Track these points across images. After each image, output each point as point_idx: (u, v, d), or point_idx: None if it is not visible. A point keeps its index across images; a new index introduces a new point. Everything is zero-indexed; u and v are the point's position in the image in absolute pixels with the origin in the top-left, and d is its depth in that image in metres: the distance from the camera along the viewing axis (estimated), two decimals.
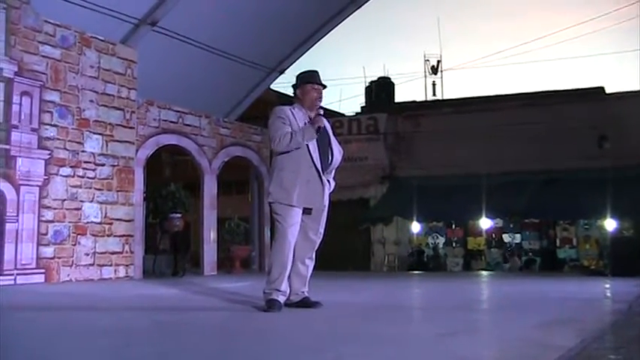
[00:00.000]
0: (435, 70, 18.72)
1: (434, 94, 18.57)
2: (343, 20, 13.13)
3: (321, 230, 4.66)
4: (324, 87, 4.68)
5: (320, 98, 4.60)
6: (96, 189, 8.79)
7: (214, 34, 11.06)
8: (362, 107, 17.90)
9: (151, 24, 9.86)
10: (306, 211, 4.55)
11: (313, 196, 4.49)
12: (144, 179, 9.92)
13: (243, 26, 11.44)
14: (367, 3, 12.93)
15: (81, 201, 8.56)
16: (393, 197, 15.22)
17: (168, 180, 11.90)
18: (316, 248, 4.69)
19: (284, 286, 4.46)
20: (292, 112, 4.55)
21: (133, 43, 9.75)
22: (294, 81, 4.77)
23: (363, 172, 15.67)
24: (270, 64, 13.02)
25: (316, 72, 4.69)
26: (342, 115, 18.36)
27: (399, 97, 18.17)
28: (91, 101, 8.84)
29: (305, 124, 4.50)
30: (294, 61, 13.38)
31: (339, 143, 4.82)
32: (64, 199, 8.36)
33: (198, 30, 10.72)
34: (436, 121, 15.44)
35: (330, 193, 4.64)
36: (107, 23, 9.26)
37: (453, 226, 15.81)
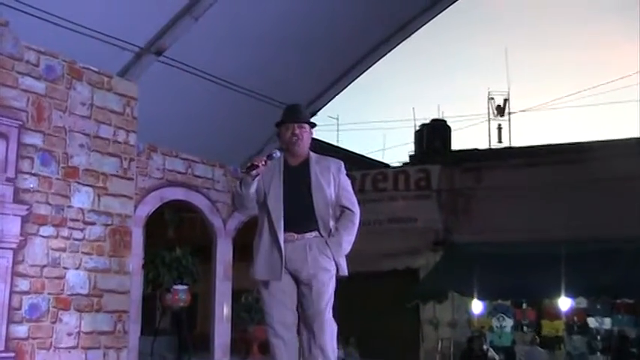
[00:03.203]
0: (501, 110, 18.50)
1: (500, 141, 18.38)
2: (389, 52, 13.12)
3: (314, 310, 4.43)
4: (307, 122, 4.66)
5: (295, 135, 4.56)
6: (84, 253, 8.63)
7: (233, 66, 11.03)
8: (411, 156, 17.92)
9: (156, 53, 9.83)
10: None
11: (272, 266, 4.45)
12: (143, 242, 9.87)
13: (268, 59, 11.43)
14: (418, 31, 12.91)
15: (65, 268, 8.39)
16: (448, 268, 15.04)
17: (172, 243, 11.83)
18: (317, 334, 4.42)
19: None
20: (266, 163, 4.52)
21: (134, 75, 9.71)
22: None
23: (410, 236, 15.61)
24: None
25: (289, 108, 4.72)
26: (387, 165, 18.27)
27: (457, 144, 18.16)
28: (81, 146, 8.74)
29: (280, 173, 4.53)
30: (328, 102, 13.36)
31: (348, 193, 4.65)
32: (44, 266, 8.18)
33: (213, 61, 10.68)
34: (503, 174, 15.33)
35: (337, 258, 4.50)
36: (102, 51, 9.23)
37: (524, 306, 15.40)
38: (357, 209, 4.63)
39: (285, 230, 4.42)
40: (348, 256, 4.59)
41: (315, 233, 4.48)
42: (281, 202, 4.45)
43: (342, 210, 4.58)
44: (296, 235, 4.44)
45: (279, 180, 4.51)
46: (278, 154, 4.51)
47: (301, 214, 4.47)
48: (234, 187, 4.49)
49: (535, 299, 14.89)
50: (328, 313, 4.47)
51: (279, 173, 4.53)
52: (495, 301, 15.31)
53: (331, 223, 4.52)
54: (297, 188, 4.50)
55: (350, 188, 4.67)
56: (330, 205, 4.52)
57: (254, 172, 4.37)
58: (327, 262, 4.46)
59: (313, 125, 4.73)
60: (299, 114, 4.66)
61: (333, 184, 4.56)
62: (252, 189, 4.43)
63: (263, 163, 4.40)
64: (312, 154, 4.65)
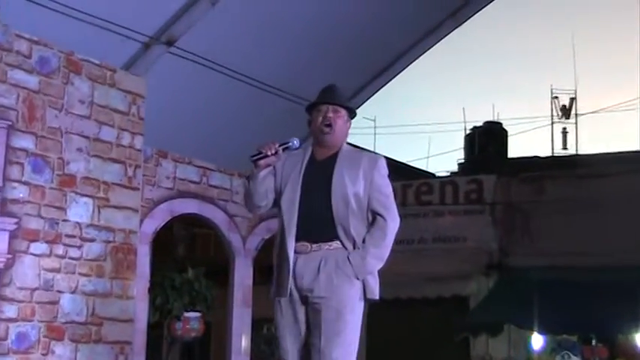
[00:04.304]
0: (566, 112, 18.45)
1: (565, 147, 18.37)
2: (437, 43, 13.07)
3: (321, 348, 4.13)
4: (344, 107, 4.47)
5: (327, 119, 4.36)
6: (81, 274, 8.65)
7: (254, 59, 11.00)
8: (460, 164, 17.92)
9: (167, 43, 9.80)
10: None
11: (280, 282, 4.26)
12: (150, 262, 9.89)
13: (297, 50, 11.40)
14: (471, 18, 12.87)
15: (59, 291, 8.41)
16: (503, 296, 14.91)
17: (183, 263, 11.84)
18: None
19: None
20: (286, 159, 4.40)
21: (141, 69, 9.71)
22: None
23: (459, 258, 15.47)
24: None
25: (323, 89, 4.54)
26: (432, 175, 18.13)
27: (515, 150, 18.24)
28: (79, 150, 8.76)
29: (302, 168, 4.33)
30: (367, 99, 13.28)
31: (383, 195, 4.38)
32: (35, 289, 8.18)
33: (232, 53, 10.64)
34: (569, 186, 15.19)
35: (360, 277, 4.23)
36: (105, 41, 9.20)
37: (593, 342, 15.05)
38: (392, 216, 4.32)
39: (298, 239, 4.20)
40: (382, 277, 4.34)
41: (335, 244, 4.21)
42: (296, 203, 4.24)
43: (374, 217, 4.30)
44: (310, 245, 4.20)
45: (298, 176, 4.29)
46: (296, 143, 4.33)
47: (317, 218, 4.23)
48: (243, 181, 4.35)
49: (607, 334, 14.65)
50: (345, 356, 4.16)
51: (301, 168, 4.32)
52: (559, 336, 15.10)
53: (354, 231, 4.24)
54: (317, 187, 4.27)
55: (387, 190, 4.36)
56: (352, 209, 4.23)
57: (262, 162, 4.22)
58: (347, 282, 4.18)
59: (353, 113, 4.52)
60: (334, 95, 4.45)
61: (362, 184, 4.27)
62: (262, 183, 4.26)
63: (273, 152, 4.22)
64: (345, 146, 4.43)
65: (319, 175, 4.28)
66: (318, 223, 4.22)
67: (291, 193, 4.26)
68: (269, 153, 4.21)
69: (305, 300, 4.22)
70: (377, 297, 4.29)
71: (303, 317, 4.25)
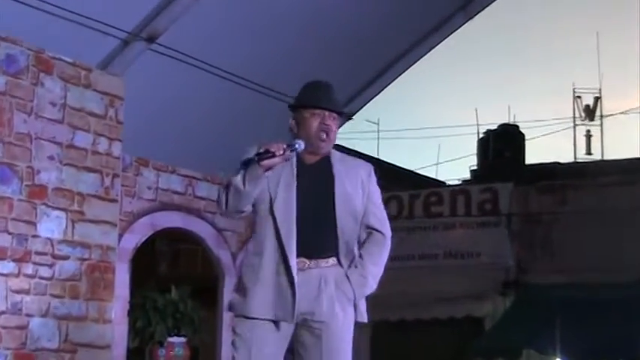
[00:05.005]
0: (590, 113, 18.45)
1: (589, 152, 18.37)
2: (445, 39, 13.06)
3: None
4: (339, 113, 4.42)
5: (326, 126, 4.28)
6: (52, 296, 8.64)
7: (246, 58, 10.97)
8: (473, 172, 17.95)
9: (148, 39, 9.77)
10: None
11: (280, 302, 4.11)
12: (130, 281, 9.92)
13: (291, 48, 11.36)
14: (484, 11, 12.84)
15: (28, 315, 8.40)
16: (521, 317, 14.89)
17: (166, 282, 11.80)
18: None
19: None
20: (284, 153, 4.25)
21: (119, 68, 9.68)
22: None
23: (473, 275, 15.43)
24: None
25: (317, 86, 4.46)
26: (442, 183, 18.11)
27: (533, 156, 18.03)
28: (51, 158, 8.75)
29: (293, 173, 4.24)
30: (369, 100, 13.28)
31: (378, 209, 4.37)
32: (1, 312, 8.18)
33: (219, 51, 10.62)
34: (594, 195, 15.12)
35: (359, 299, 4.22)
36: (79, 37, 9.17)
37: None
38: (388, 231, 4.34)
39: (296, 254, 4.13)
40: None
41: (332, 261, 4.18)
42: (293, 212, 4.15)
43: (369, 232, 4.29)
44: (308, 262, 4.13)
45: (291, 181, 4.21)
46: (302, 145, 4.24)
47: (318, 232, 4.18)
48: (231, 179, 4.15)
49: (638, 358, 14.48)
50: None
51: (292, 172, 4.24)
52: None
53: (355, 249, 4.23)
54: (316, 196, 4.22)
55: (380, 201, 4.37)
56: (358, 223, 4.23)
57: (266, 162, 4.10)
58: (347, 305, 4.17)
59: (343, 115, 4.55)
60: (331, 98, 4.39)
61: (360, 194, 4.27)
62: (259, 186, 4.14)
63: (281, 152, 4.12)
64: (333, 150, 4.40)
65: (316, 183, 4.25)
66: (318, 236, 4.18)
67: (287, 202, 4.18)
68: (277, 154, 4.11)
69: (301, 323, 4.16)
70: (366, 320, 4.28)
71: (282, 345, 4.21)
